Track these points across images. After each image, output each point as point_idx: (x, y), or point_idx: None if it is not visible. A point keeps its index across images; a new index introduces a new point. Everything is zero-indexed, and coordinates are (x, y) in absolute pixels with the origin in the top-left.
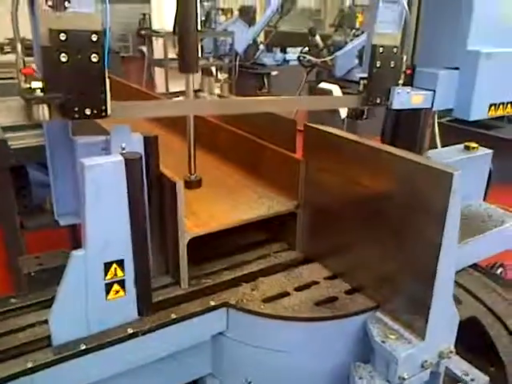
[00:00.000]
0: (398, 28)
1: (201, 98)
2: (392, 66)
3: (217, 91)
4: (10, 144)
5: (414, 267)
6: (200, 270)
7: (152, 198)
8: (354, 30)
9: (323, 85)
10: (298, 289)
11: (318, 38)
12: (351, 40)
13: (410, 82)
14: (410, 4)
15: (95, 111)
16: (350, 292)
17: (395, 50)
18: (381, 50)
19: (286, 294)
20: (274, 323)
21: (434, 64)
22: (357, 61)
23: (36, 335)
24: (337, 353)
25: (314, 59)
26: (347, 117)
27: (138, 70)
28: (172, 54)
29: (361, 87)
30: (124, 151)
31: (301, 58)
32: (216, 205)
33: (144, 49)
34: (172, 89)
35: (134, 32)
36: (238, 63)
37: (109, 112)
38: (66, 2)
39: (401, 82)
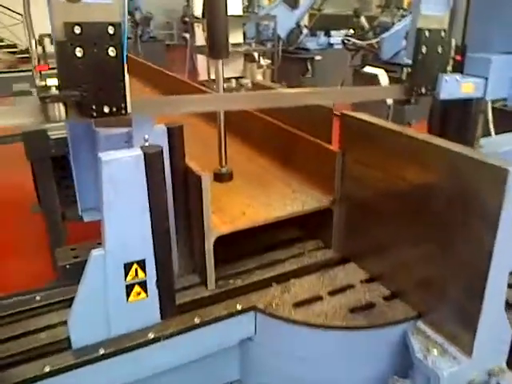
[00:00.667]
0: (446, 9)
1: (228, 93)
2: (439, 51)
3: (259, 77)
4: (51, 134)
5: (461, 273)
6: (229, 269)
7: (177, 193)
8: (401, 11)
9: (368, 69)
10: (332, 292)
11: (363, 19)
12: (399, 21)
13: (459, 69)
14: None
15: (114, 109)
16: (389, 298)
17: (443, 33)
18: (427, 33)
19: (318, 298)
20: (304, 330)
21: (486, 49)
22: (404, 43)
23: (56, 336)
24: (372, 365)
25: (358, 42)
26: (394, 102)
27: (182, 58)
28: None
29: (404, 75)
30: (147, 143)
31: (345, 41)
32: (247, 200)
33: (187, 36)
34: (214, 76)
35: (179, 19)
36: (280, 48)
37: (129, 109)
38: None
39: (449, 69)
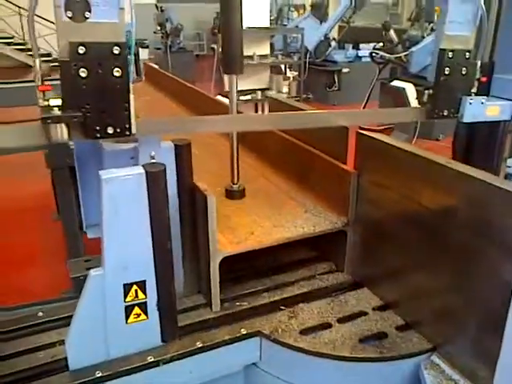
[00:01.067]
0: (472, 29)
1: (238, 114)
2: (463, 72)
3: (285, 89)
4: (71, 143)
5: (479, 305)
6: (236, 290)
7: (184, 211)
8: (431, 24)
9: (396, 83)
10: (342, 320)
11: (392, 32)
12: (428, 35)
13: (485, 90)
14: (487, 1)
15: (118, 130)
16: (403, 328)
17: (467, 54)
18: (450, 54)
19: (327, 326)
20: (310, 359)
21: None
22: None
23: (54, 356)
24: None
25: (387, 55)
26: None
27: (210, 68)
28: None
29: (425, 97)
30: (153, 160)
31: (373, 54)
32: (258, 219)
33: (216, 47)
34: (240, 87)
35: (209, 30)
36: (308, 60)
37: (133, 130)
38: (87, 12)
39: (474, 90)
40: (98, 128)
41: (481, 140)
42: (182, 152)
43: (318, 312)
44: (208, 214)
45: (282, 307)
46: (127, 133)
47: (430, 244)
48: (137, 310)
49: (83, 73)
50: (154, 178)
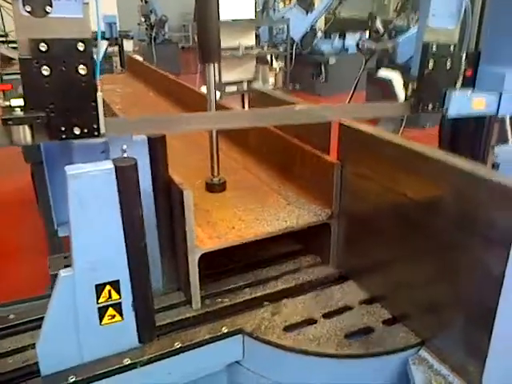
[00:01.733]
0: (456, 22)
1: (218, 112)
2: (448, 66)
3: (271, 80)
4: None
5: (467, 299)
6: (217, 286)
7: (160, 207)
8: (417, 14)
9: (382, 72)
10: (328, 315)
11: (378, 22)
12: (414, 24)
13: (470, 83)
14: None
15: (85, 130)
16: (390, 322)
17: (452, 47)
18: (434, 48)
19: (312, 322)
20: (294, 357)
21: (500, 62)
22: None
23: (26, 360)
24: None
25: (373, 45)
26: None
27: (195, 60)
28: (225, 44)
29: (409, 91)
30: (125, 154)
31: (360, 44)
32: (239, 212)
33: None
34: (225, 79)
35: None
36: (294, 51)
37: (102, 130)
38: (48, 7)
39: (459, 84)
40: (63, 129)
41: (467, 128)
42: (156, 145)
43: (302, 307)
44: (185, 209)
45: (266, 303)
46: (95, 133)
47: (415, 236)
48: (111, 311)
49: (46, 71)
50: (125, 173)
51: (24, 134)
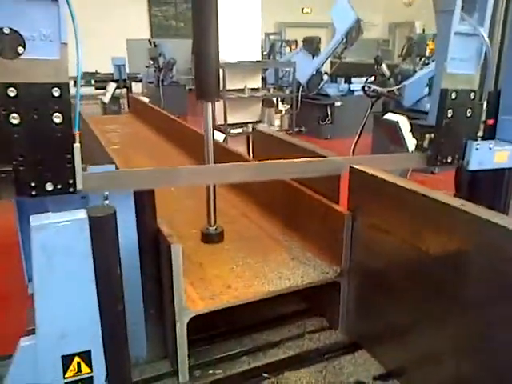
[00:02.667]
0: (477, 66)
1: (213, 165)
2: (468, 115)
3: (277, 122)
4: None
5: (504, 371)
6: (209, 354)
7: (146, 261)
8: (423, 59)
9: (389, 116)
10: None
11: (384, 66)
12: (420, 69)
13: (490, 133)
14: (491, 35)
15: (59, 186)
16: None
17: (472, 94)
18: (453, 95)
19: None
20: None
21: None
22: (427, 90)
23: None
24: None
25: (379, 89)
26: (416, 149)
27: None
28: (231, 85)
29: (425, 142)
30: (106, 201)
31: (366, 87)
32: (236, 268)
33: None
34: (231, 120)
35: None
36: (300, 94)
37: (78, 186)
38: (20, 48)
39: (480, 134)
40: (33, 184)
41: (486, 176)
42: (143, 194)
43: (307, 383)
44: (173, 267)
45: (265, 375)
46: (71, 189)
47: (439, 298)
48: None
49: (14, 119)
50: (100, 225)
51: None
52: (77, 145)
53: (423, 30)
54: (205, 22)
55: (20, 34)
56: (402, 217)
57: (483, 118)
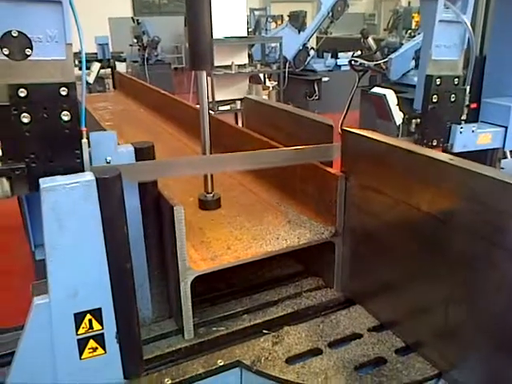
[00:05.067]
0: (460, 52)
1: (205, 156)
2: (452, 99)
3: (265, 98)
4: None
5: (491, 323)
6: (212, 313)
7: (148, 225)
8: (409, 31)
9: (376, 89)
10: (334, 344)
11: (370, 40)
12: (407, 41)
13: (474, 116)
14: (473, 22)
15: None
16: (403, 351)
17: (456, 80)
18: (438, 81)
19: (317, 352)
20: None
21: (505, 94)
22: (413, 63)
23: None
24: None
25: (366, 62)
26: (403, 123)
27: (188, 80)
28: (218, 62)
29: (412, 127)
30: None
31: (352, 61)
32: (235, 231)
33: None
34: (218, 97)
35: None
36: (287, 70)
37: None
38: (27, 49)
39: (463, 117)
40: None
41: (470, 156)
42: (144, 156)
43: (306, 335)
44: (175, 228)
45: (265, 331)
46: None
47: (430, 253)
48: (92, 343)
49: (26, 118)
50: (107, 186)
51: (2, 186)
52: (84, 141)
53: (409, 3)
54: None
55: (27, 36)
56: (393, 175)
57: (467, 102)
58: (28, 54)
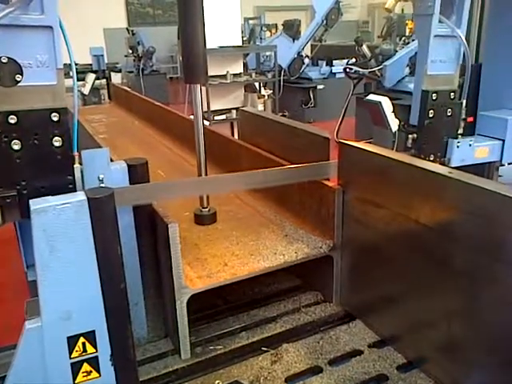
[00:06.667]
0: (456, 67)
1: (201, 178)
2: (448, 114)
3: (260, 107)
4: None
5: (495, 338)
6: (209, 331)
7: (143, 243)
8: (403, 38)
9: (372, 97)
10: (334, 361)
11: (365, 47)
12: (401, 48)
13: (472, 130)
14: (468, 36)
15: None
16: (405, 367)
17: (452, 94)
18: (434, 96)
19: (317, 370)
20: None
21: (502, 107)
22: (408, 70)
23: None
24: None
25: (361, 70)
26: (399, 130)
27: (183, 90)
28: (213, 72)
29: (409, 142)
30: (102, 184)
31: (347, 69)
32: (231, 246)
33: None
34: (214, 107)
35: None
36: (282, 78)
37: None
38: (17, 75)
39: (460, 131)
40: None
41: (468, 170)
42: (138, 173)
43: (305, 353)
44: (170, 246)
45: (264, 348)
46: None
47: (431, 267)
48: (86, 366)
49: (16, 145)
50: (100, 206)
51: None
52: (77, 166)
53: (402, 10)
54: (190, 4)
55: (17, 62)
56: (391, 188)
57: (463, 116)
58: (18, 79)
